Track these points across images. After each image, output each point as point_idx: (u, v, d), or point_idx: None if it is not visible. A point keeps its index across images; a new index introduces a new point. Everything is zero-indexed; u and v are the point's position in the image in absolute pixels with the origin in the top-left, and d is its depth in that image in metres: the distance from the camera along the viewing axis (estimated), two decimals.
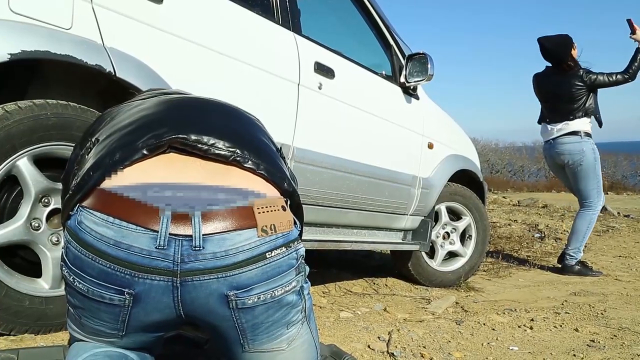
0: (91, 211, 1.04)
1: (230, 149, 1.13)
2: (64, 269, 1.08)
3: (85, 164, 1.14)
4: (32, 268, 1.86)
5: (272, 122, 1.67)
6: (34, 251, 1.84)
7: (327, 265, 3.89)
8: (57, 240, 1.86)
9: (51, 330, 1.83)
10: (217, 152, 1.12)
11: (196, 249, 1.01)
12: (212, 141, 1.12)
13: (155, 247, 1.00)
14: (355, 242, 3.15)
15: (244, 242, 1.03)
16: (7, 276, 1.75)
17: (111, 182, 1.06)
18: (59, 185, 1.77)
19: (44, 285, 1.84)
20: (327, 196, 2.83)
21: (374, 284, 3.70)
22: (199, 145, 1.12)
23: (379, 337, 2.33)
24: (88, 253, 1.02)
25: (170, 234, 1.00)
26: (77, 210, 1.06)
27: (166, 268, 1.01)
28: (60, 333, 1.82)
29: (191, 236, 1.01)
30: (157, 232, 1.00)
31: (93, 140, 1.20)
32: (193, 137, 1.12)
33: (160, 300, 1.03)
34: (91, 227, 1.02)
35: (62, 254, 1.09)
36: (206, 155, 1.12)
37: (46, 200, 1.85)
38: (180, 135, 1.11)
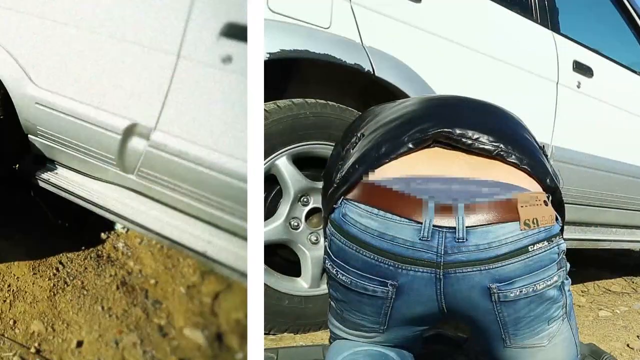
0: (356, 203, 1.06)
1: (494, 144, 1.12)
2: (327, 262, 1.12)
3: (349, 158, 1.17)
4: (290, 267, 1.87)
5: (531, 120, 1.60)
6: (293, 250, 1.85)
7: (586, 265, 3.75)
8: (316, 240, 1.85)
9: (310, 330, 1.82)
10: (481, 146, 1.12)
11: (459, 240, 1.01)
12: (476, 135, 1.12)
13: (419, 239, 1.01)
14: (614, 240, 3.17)
15: (507, 235, 1.02)
16: (266, 275, 1.77)
17: (375, 175, 1.09)
18: (318, 185, 1.78)
19: (303, 285, 1.84)
20: (586, 195, 2.84)
21: (633, 282, 3.66)
22: (463, 140, 1.12)
23: (638, 336, 2.32)
24: (352, 245, 1.05)
25: (433, 225, 1.01)
26: (341, 203, 1.09)
27: (429, 260, 1.01)
28: (319, 332, 1.82)
29: (454, 228, 1.01)
30: (421, 223, 1.01)
31: (358, 135, 1.23)
32: (458, 131, 1.12)
33: (423, 292, 1.04)
34: (355, 219, 1.05)
35: (325, 247, 1.13)
36: (470, 149, 1.12)
37: (305, 200, 1.85)
38: (446, 129, 1.12)
